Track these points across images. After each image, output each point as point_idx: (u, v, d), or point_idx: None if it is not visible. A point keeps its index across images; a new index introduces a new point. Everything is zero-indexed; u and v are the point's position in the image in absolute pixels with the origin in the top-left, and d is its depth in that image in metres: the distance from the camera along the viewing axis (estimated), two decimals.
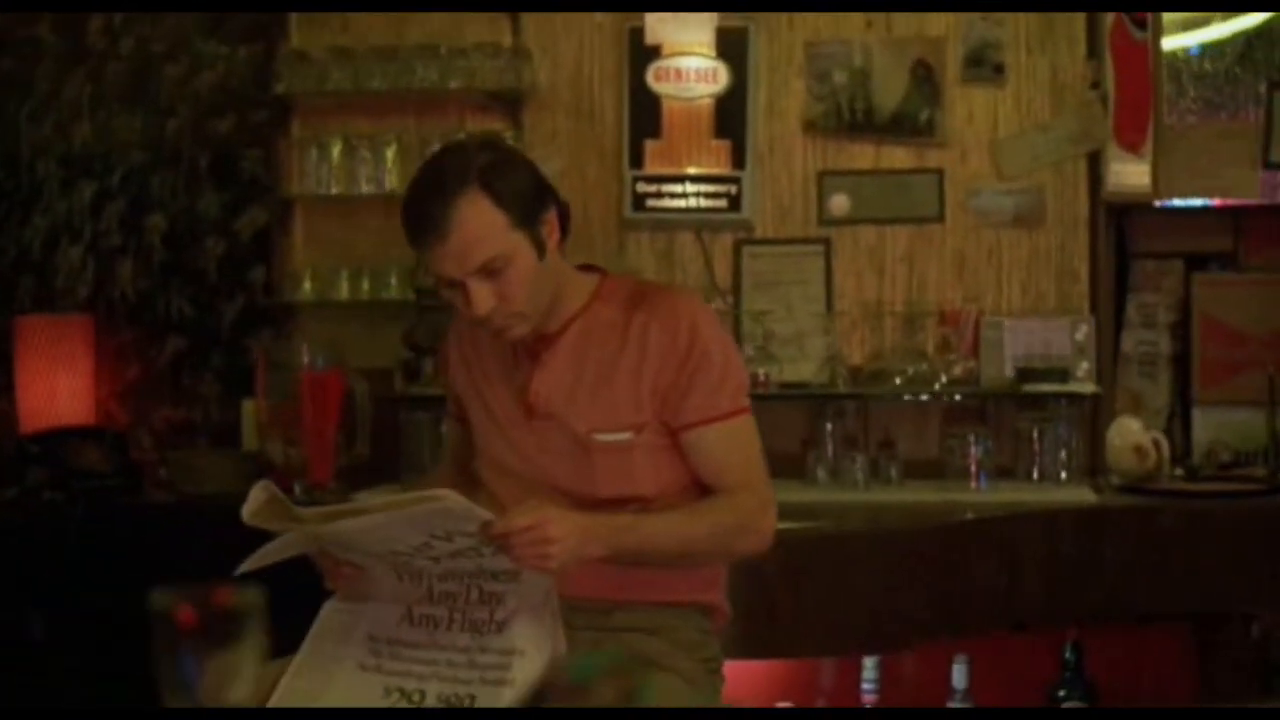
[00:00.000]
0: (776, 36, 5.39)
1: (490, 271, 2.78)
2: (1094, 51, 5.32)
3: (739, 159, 5.28)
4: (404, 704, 2.75)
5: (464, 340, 3.11)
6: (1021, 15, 5.34)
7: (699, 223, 5.33)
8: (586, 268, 3.08)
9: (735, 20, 5.32)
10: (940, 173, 5.35)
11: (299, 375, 5.31)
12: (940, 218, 5.35)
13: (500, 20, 5.44)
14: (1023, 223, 5.35)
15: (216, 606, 1.61)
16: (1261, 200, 5.45)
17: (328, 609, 2.86)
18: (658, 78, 5.28)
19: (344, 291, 5.36)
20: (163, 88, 5.62)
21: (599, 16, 5.42)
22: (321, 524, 2.70)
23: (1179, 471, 5.16)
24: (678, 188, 5.30)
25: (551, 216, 2.89)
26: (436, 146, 5.08)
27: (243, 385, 5.53)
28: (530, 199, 2.83)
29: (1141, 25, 5.28)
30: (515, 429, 2.99)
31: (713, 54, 5.28)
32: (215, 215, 5.61)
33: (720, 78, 5.26)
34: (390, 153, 5.32)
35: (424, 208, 2.79)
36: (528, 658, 2.71)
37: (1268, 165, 5.44)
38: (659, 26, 5.25)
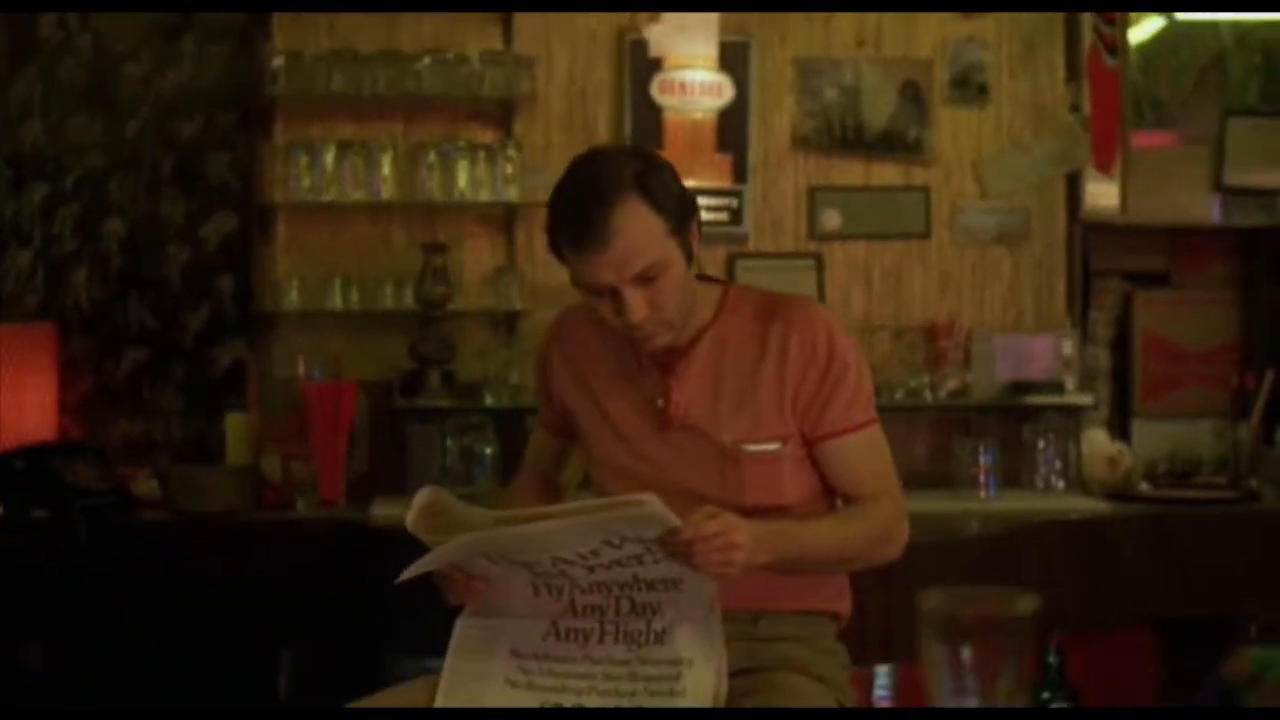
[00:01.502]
0: (769, 52, 5.43)
1: (646, 279, 2.75)
2: (1073, 75, 5.51)
3: (740, 173, 5.30)
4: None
5: (570, 350, 3.06)
6: (1005, 39, 5.50)
7: (703, 236, 5.31)
8: (704, 278, 3.06)
9: (735, 35, 5.34)
10: (927, 190, 5.46)
11: (295, 387, 5.15)
12: (927, 234, 5.45)
13: (491, 27, 5.36)
14: (1005, 240, 5.50)
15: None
16: (1214, 222, 5.72)
17: (462, 625, 2.80)
18: (662, 90, 5.26)
19: (336, 301, 5.19)
20: (122, 88, 5.36)
21: (593, 25, 5.39)
22: (495, 528, 2.63)
23: (1145, 484, 5.38)
24: None
25: (695, 224, 2.87)
26: (432, 155, 5.06)
27: (209, 398, 5.33)
28: (681, 206, 2.81)
29: (1114, 52, 5.46)
30: (646, 440, 2.94)
31: (716, 68, 5.28)
32: (179, 221, 5.37)
33: (725, 92, 5.29)
34: (386, 160, 5.17)
35: (583, 214, 2.73)
36: (696, 667, 2.68)
37: (1220, 188, 5.73)
38: (663, 40, 5.24)
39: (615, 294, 2.76)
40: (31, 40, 5.34)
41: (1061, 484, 5.19)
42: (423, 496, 2.72)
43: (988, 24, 5.51)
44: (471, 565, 2.68)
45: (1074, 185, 5.51)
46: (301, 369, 5.13)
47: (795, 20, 5.48)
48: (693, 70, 5.28)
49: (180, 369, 5.39)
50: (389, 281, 5.23)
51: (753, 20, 5.42)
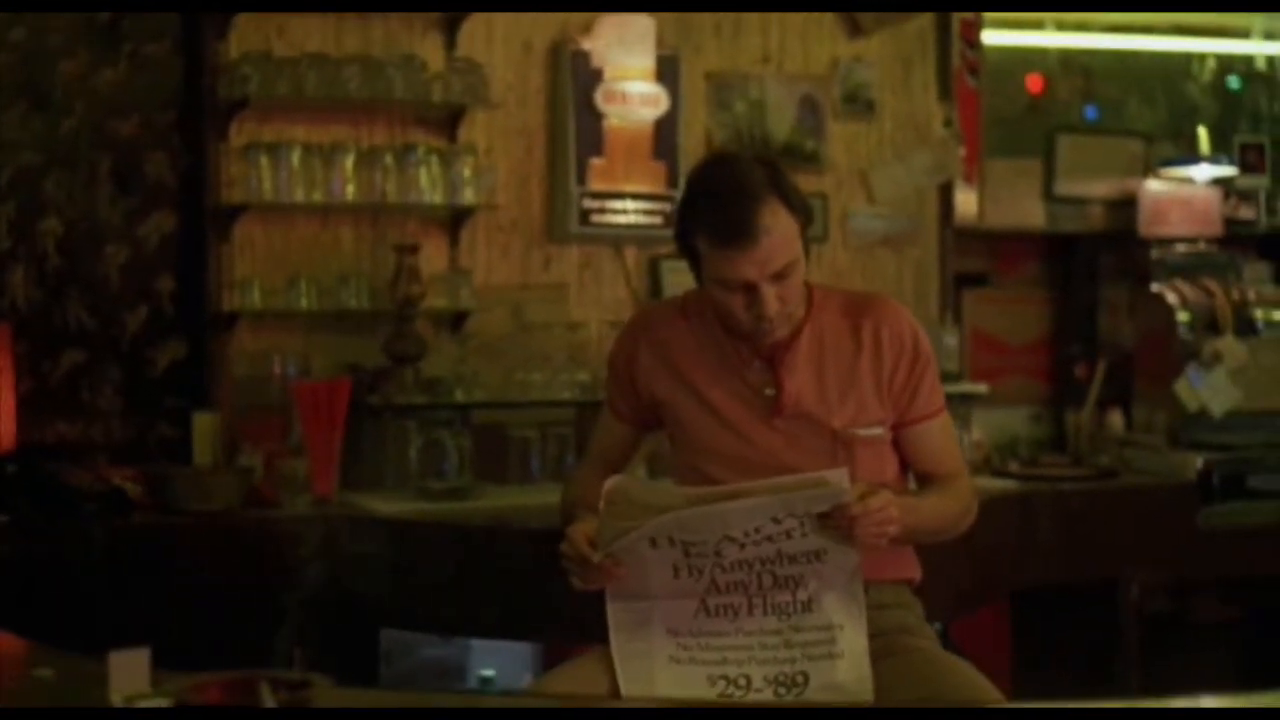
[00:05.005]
0: (687, 65, 5.79)
1: (781, 275, 3.05)
2: (946, 94, 6.06)
3: (673, 179, 5.63)
4: (733, 690, 2.98)
5: (661, 344, 3.29)
6: (886, 59, 6.01)
7: (640, 238, 5.65)
8: None
9: (666, 49, 5.67)
10: (824, 197, 5.92)
11: (267, 386, 5.20)
12: (825, 237, 5.91)
13: (434, 34, 5.52)
14: (890, 243, 6.01)
15: None
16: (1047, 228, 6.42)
17: (613, 608, 3.03)
18: (606, 99, 5.54)
19: (299, 301, 5.25)
20: (57, 84, 5.26)
21: (528, 34, 5.63)
22: (688, 506, 2.90)
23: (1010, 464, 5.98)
24: (619, 204, 5.59)
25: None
26: (388, 157, 5.23)
27: (147, 399, 5.31)
28: (804, 208, 3.12)
29: (975, 74, 6.06)
30: (751, 426, 3.20)
31: (653, 79, 5.59)
32: (117, 221, 5.31)
33: (662, 102, 5.60)
34: (348, 162, 5.27)
35: (733, 214, 2.99)
36: (847, 630, 3.00)
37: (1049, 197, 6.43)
38: (605, 52, 5.51)
39: (750, 289, 3.03)
40: None
41: None
42: (610, 484, 2.99)
43: (872, 45, 6.02)
44: (634, 549, 2.91)
45: (946, 194, 6.07)
46: (277, 368, 5.20)
47: (707, 35, 5.85)
48: (632, 81, 5.58)
49: (118, 369, 5.34)
50: (346, 280, 5.34)
51: (670, 34, 5.75)
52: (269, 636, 4.62)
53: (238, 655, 4.53)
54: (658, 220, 5.64)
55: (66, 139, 5.28)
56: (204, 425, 5.11)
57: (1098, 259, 6.61)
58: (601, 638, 3.03)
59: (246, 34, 5.33)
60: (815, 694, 2.94)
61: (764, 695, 2.95)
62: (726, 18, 5.89)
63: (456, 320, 5.51)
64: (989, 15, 6.21)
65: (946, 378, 5.70)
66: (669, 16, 5.74)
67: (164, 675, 2.10)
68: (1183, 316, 6.05)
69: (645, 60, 5.57)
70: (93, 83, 5.30)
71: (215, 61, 5.31)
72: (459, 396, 5.27)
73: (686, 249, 3.10)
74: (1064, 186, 6.46)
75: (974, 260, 6.46)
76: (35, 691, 2.29)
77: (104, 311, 5.32)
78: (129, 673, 2.10)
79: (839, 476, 2.86)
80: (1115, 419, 6.13)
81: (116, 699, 2.09)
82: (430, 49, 5.51)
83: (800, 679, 2.97)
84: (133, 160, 5.34)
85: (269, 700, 2.08)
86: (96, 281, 5.31)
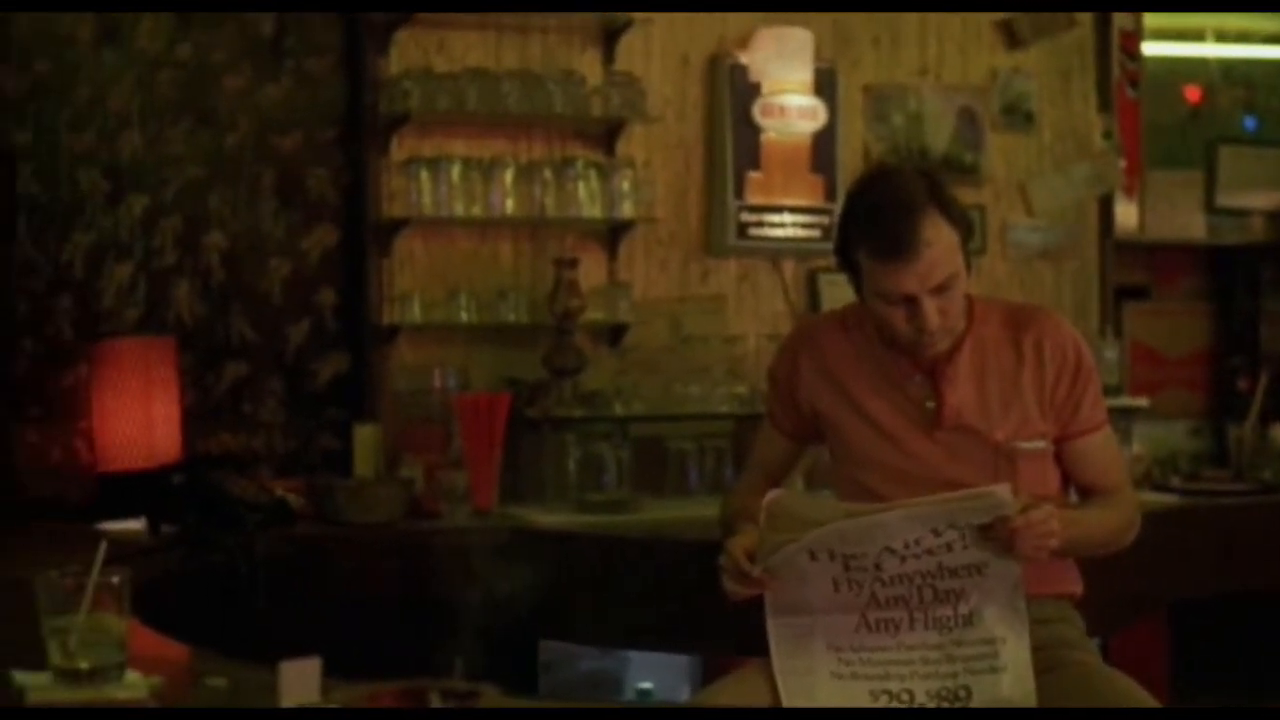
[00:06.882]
0: (844, 79, 5.77)
1: (941, 288, 2.99)
2: (1105, 105, 5.99)
3: (830, 192, 5.61)
4: (895, 705, 2.93)
5: (823, 356, 3.25)
6: (1045, 70, 5.96)
7: (798, 251, 5.64)
8: None
9: (824, 62, 5.67)
10: (981, 209, 5.86)
11: (426, 399, 5.24)
12: (982, 250, 5.86)
13: (593, 48, 5.56)
14: (1050, 256, 5.95)
15: None
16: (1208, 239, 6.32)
17: (774, 624, 2.98)
18: (764, 113, 5.54)
19: (459, 315, 5.30)
20: (222, 100, 5.35)
21: (686, 48, 5.64)
22: (845, 519, 2.85)
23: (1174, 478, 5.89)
24: (777, 217, 5.59)
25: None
26: (547, 171, 5.25)
27: (309, 411, 5.38)
28: (965, 220, 3.06)
29: (1135, 85, 5.99)
30: (912, 439, 3.15)
31: (811, 92, 5.58)
32: (279, 235, 5.38)
33: (820, 115, 5.59)
34: (508, 176, 5.31)
35: (894, 227, 2.94)
36: (1010, 644, 2.93)
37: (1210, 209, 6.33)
38: (763, 65, 5.51)
39: (910, 302, 2.97)
40: (129, 51, 5.27)
41: None
42: (770, 498, 2.96)
43: (1030, 56, 5.98)
44: (793, 562, 2.87)
45: (1106, 206, 6.00)
46: (437, 380, 5.24)
47: (865, 48, 5.84)
48: (790, 94, 5.57)
49: (280, 382, 5.41)
50: (505, 294, 5.38)
51: (828, 47, 5.74)
52: (429, 647, 4.63)
53: (398, 665, 4.59)
54: (815, 233, 5.64)
55: (230, 154, 5.36)
56: (365, 437, 5.16)
57: (1259, 271, 6.51)
58: (760, 650, 3.00)
59: (407, 50, 5.39)
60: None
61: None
62: (884, 30, 5.89)
63: (615, 333, 5.53)
64: (1148, 26, 6.13)
65: (1106, 391, 5.57)
66: (827, 30, 5.75)
67: (332, 684, 2.11)
68: None
69: (803, 73, 5.57)
70: (256, 99, 5.38)
71: (376, 77, 5.38)
72: (617, 409, 5.28)
73: (847, 263, 3.06)
74: (1225, 198, 6.36)
75: (1134, 273, 6.39)
76: (209, 699, 2.31)
77: (267, 325, 5.39)
78: (299, 681, 2.10)
79: (1002, 490, 2.82)
80: (1278, 433, 6.01)
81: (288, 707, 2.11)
82: (589, 63, 5.55)
83: (963, 693, 2.93)
84: (295, 175, 5.41)
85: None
86: (259, 295, 5.39)
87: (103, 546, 2.29)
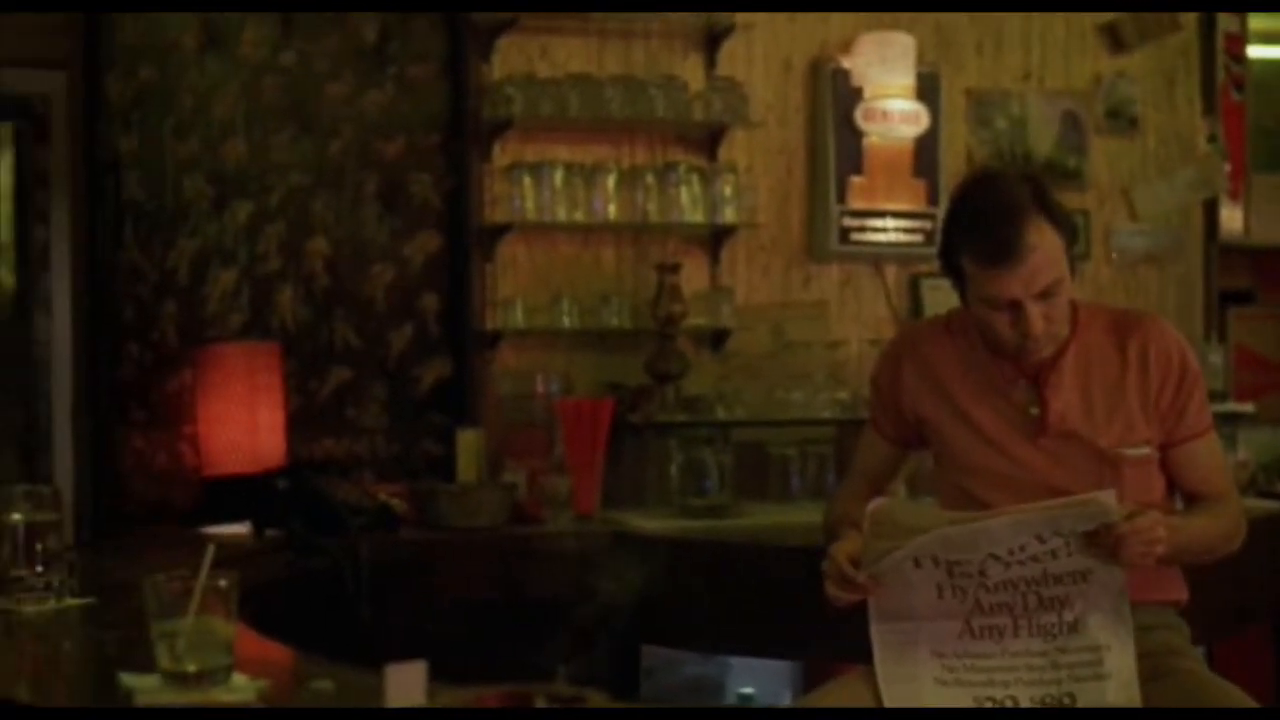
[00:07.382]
0: (947, 83, 5.75)
1: (1046, 293, 2.97)
2: (1210, 108, 5.93)
3: (933, 196, 5.59)
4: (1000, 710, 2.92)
5: (926, 362, 3.24)
6: (1149, 74, 5.90)
7: (900, 256, 5.62)
8: None
9: (926, 67, 5.64)
10: (1085, 214, 5.82)
11: (528, 404, 5.25)
12: (1086, 255, 5.81)
13: (695, 54, 5.57)
14: (1154, 260, 5.90)
15: None
16: None
17: (877, 630, 2.97)
18: (866, 118, 5.52)
19: (562, 320, 5.31)
20: (325, 107, 5.38)
21: (788, 53, 5.64)
22: (950, 525, 2.85)
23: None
24: (879, 222, 5.57)
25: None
26: (650, 177, 5.25)
27: (412, 416, 5.39)
28: (1069, 225, 3.04)
29: (1240, 88, 5.92)
30: (1017, 446, 3.13)
31: (913, 97, 5.56)
32: (383, 241, 5.41)
33: (922, 120, 5.57)
34: (610, 181, 5.32)
35: (998, 233, 2.93)
36: (1114, 651, 2.91)
37: None
38: (865, 70, 5.50)
39: (1015, 307, 2.96)
40: (233, 59, 5.32)
41: None
42: (874, 506, 2.94)
43: (1134, 60, 5.93)
44: (898, 569, 2.86)
45: (1211, 210, 5.94)
46: (540, 386, 5.25)
47: (968, 53, 5.81)
48: (892, 99, 5.56)
49: (384, 387, 5.43)
50: (608, 299, 5.39)
51: (930, 52, 5.72)
52: (532, 652, 4.65)
53: (502, 670, 4.59)
54: (918, 238, 5.61)
55: (334, 161, 5.39)
56: (468, 442, 5.16)
57: None
58: (861, 656, 3.00)
59: (509, 56, 5.42)
60: None
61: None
62: (988, 34, 5.86)
63: (717, 338, 5.53)
64: (1254, 28, 6.07)
65: (1211, 397, 5.52)
66: (929, 34, 5.73)
67: (438, 688, 2.11)
68: None
69: (905, 78, 5.55)
70: (359, 105, 5.41)
71: (479, 83, 5.41)
72: (720, 414, 5.28)
73: (951, 268, 3.06)
74: None
75: (1239, 277, 6.32)
76: (315, 702, 2.31)
77: (370, 330, 5.41)
78: (405, 685, 2.10)
79: (1107, 497, 2.80)
80: None
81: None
82: (691, 69, 5.56)
83: (1067, 700, 2.92)
84: (398, 181, 5.44)
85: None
86: (363, 301, 5.41)
87: (210, 550, 2.29)
